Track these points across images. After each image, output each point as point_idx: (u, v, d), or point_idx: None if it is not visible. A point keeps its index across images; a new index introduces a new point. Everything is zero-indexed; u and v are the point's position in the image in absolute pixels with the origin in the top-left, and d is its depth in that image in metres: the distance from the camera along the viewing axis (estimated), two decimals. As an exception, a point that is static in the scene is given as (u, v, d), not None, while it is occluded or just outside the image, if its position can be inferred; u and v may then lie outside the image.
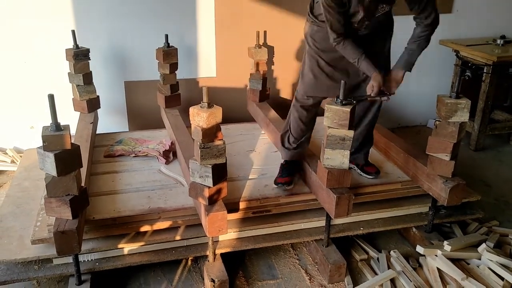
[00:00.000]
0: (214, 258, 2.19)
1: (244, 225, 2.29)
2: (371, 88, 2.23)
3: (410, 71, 2.30)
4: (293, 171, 2.47)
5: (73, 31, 2.82)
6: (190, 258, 2.35)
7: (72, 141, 1.84)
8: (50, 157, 1.74)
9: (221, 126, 1.98)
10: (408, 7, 2.16)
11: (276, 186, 2.40)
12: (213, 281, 2.07)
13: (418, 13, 2.18)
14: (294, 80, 3.62)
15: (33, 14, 3.00)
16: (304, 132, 2.46)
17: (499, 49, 3.57)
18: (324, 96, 2.41)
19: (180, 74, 3.19)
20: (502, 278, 2.17)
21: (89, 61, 2.88)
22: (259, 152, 2.85)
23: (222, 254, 2.23)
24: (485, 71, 3.46)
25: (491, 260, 2.25)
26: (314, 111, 2.45)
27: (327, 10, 2.10)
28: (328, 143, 2.03)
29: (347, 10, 2.11)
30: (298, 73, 3.57)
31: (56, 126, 1.77)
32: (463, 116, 2.12)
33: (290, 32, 3.46)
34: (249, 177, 2.53)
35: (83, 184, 2.02)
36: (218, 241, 2.25)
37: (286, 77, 3.61)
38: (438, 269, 2.24)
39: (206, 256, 2.21)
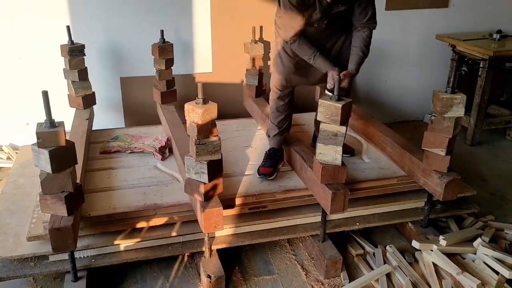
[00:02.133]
0: (211, 254, 2.19)
1: (240, 221, 2.29)
2: (331, 80, 2.27)
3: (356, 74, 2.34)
4: (276, 159, 2.55)
5: (67, 27, 2.80)
6: (186, 254, 2.35)
7: (68, 138, 1.83)
8: (45, 154, 1.74)
9: (217, 122, 1.97)
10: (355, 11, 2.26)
11: (258, 176, 2.46)
12: (209, 277, 2.07)
13: (365, 19, 2.26)
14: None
15: (28, 10, 2.98)
16: (283, 120, 2.57)
17: (495, 44, 3.57)
18: (295, 85, 2.52)
19: (176, 69, 3.18)
20: (497, 273, 2.18)
21: (84, 57, 2.86)
22: (255, 148, 2.85)
23: (218, 250, 2.23)
24: (481, 65, 3.46)
25: (486, 255, 2.26)
26: (288, 99, 2.54)
27: (287, 9, 2.19)
28: (321, 138, 2.04)
29: (306, 9, 2.20)
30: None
31: (51, 122, 1.76)
32: (458, 111, 2.12)
33: (286, 27, 3.45)
34: (245, 173, 2.52)
35: (78, 181, 2.02)
36: (214, 237, 2.25)
37: (283, 72, 3.60)
38: (434, 264, 2.25)
39: (203, 252, 2.21)
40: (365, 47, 2.30)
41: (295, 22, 2.22)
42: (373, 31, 2.31)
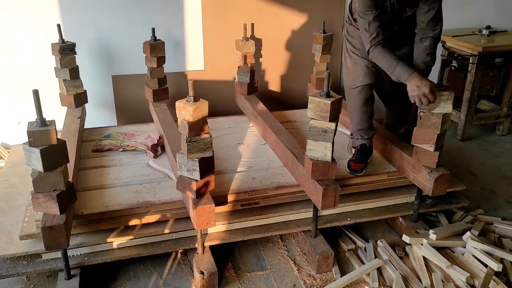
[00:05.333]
0: (203, 251, 2.20)
1: (233, 218, 2.31)
2: (415, 93, 2.14)
3: None
4: (367, 156, 2.54)
5: (58, 25, 2.80)
6: (179, 251, 2.37)
7: (60, 136, 1.83)
8: (36, 153, 1.74)
9: (209, 119, 1.99)
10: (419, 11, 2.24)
11: (348, 171, 2.46)
12: (202, 273, 2.09)
13: (427, 22, 2.22)
14: (283, 72, 3.63)
15: (19, 8, 2.97)
16: (364, 120, 2.52)
17: (484, 40, 3.61)
18: (371, 83, 2.46)
19: (168, 67, 3.18)
20: (486, 266, 2.21)
21: (75, 55, 2.86)
22: (247, 145, 2.86)
23: (211, 246, 2.24)
24: (471, 61, 3.49)
25: (475, 248, 2.29)
26: (366, 97, 2.48)
27: (363, 16, 2.21)
28: (311, 134, 2.05)
29: (381, 13, 2.20)
30: (286, 65, 3.59)
31: (42, 121, 1.77)
32: (446, 107, 2.14)
33: (278, 24, 3.46)
34: (238, 170, 2.54)
35: (70, 179, 2.03)
36: (207, 233, 2.27)
37: (274, 69, 3.61)
38: (424, 258, 2.29)
39: (195, 249, 2.22)
40: (427, 55, 2.26)
41: (373, 29, 2.19)
42: (433, 40, 2.23)
